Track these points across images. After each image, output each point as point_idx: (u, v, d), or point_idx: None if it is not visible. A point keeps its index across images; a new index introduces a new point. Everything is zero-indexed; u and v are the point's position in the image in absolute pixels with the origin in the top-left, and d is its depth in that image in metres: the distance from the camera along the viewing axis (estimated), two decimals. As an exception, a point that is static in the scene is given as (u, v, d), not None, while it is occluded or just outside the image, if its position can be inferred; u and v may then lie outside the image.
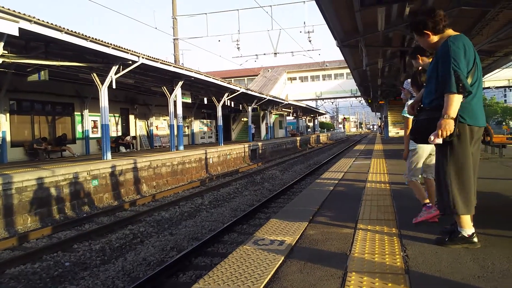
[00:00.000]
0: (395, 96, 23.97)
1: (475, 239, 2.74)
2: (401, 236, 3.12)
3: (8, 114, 13.05)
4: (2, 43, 7.88)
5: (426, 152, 3.65)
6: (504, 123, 48.83)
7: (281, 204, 9.09)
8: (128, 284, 4.74)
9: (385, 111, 26.48)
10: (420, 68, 3.76)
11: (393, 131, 25.50)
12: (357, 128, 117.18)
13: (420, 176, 3.72)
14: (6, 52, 8.53)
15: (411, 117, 3.42)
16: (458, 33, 2.72)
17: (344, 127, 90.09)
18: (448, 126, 2.52)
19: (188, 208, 9.21)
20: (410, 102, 3.46)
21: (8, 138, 12.75)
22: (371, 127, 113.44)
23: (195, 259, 5.62)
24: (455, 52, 2.54)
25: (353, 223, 3.62)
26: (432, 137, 2.59)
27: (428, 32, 2.77)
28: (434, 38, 2.77)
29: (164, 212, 8.74)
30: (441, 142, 2.61)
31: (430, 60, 3.22)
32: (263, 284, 2.27)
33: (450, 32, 2.74)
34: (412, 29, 2.92)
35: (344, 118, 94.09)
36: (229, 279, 2.36)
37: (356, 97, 46.45)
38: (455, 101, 2.51)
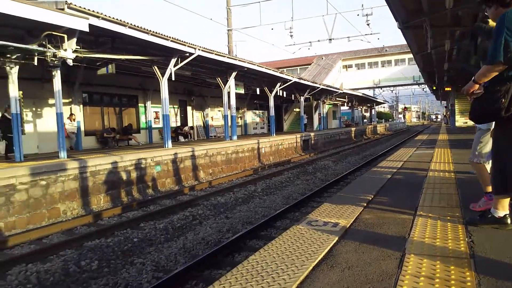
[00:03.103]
0: (464, 82, 22.12)
1: (508, 221, 2.73)
2: (467, 223, 2.95)
3: (81, 106, 14.33)
4: (75, 39, 8.63)
5: None
6: None
7: (334, 195, 8.98)
8: (188, 260, 5.04)
9: (452, 99, 24.60)
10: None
11: (461, 121, 23.60)
12: (419, 118, 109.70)
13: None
14: (79, 47, 9.33)
15: None
16: None
17: (404, 117, 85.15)
18: (470, 88, 2.67)
19: (242, 194, 9.46)
20: None
21: (82, 128, 14.05)
22: (434, 117, 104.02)
23: (249, 241, 5.80)
24: (511, 21, 2.40)
25: (413, 210, 3.48)
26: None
27: (495, 3, 2.67)
28: (502, 11, 2.58)
29: (220, 197, 9.08)
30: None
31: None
32: (317, 260, 2.30)
33: None
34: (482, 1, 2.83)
35: (405, 107, 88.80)
36: (283, 253, 2.42)
37: (418, 84, 43.62)
38: (491, 71, 2.50)
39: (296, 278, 2.00)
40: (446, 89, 24.73)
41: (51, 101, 12.40)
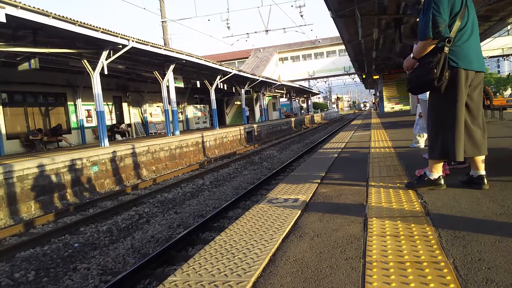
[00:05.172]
0: (390, 70, 23.77)
1: (441, 182, 2.92)
2: (406, 187, 3.13)
3: (1, 107, 12.81)
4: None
5: None
6: (498, 94, 49.10)
7: (288, 175, 9.17)
8: (139, 260, 4.73)
9: (380, 86, 26.29)
10: (417, 20, 3.71)
11: (389, 106, 25.31)
12: (350, 107, 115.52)
13: None
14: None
15: None
16: None
17: (337, 107, 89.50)
18: (410, 64, 2.84)
19: (190, 188, 9.19)
20: None
21: (3, 131, 12.56)
22: (362, 106, 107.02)
23: (202, 234, 5.65)
24: None
25: (364, 181, 3.61)
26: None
27: None
28: None
29: (167, 193, 8.72)
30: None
31: None
32: (285, 232, 2.25)
33: None
34: None
35: (338, 97, 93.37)
36: (250, 230, 2.34)
37: (349, 74, 46.19)
38: (425, 46, 2.63)
39: (268, 251, 1.93)
40: (374, 77, 26.42)
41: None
